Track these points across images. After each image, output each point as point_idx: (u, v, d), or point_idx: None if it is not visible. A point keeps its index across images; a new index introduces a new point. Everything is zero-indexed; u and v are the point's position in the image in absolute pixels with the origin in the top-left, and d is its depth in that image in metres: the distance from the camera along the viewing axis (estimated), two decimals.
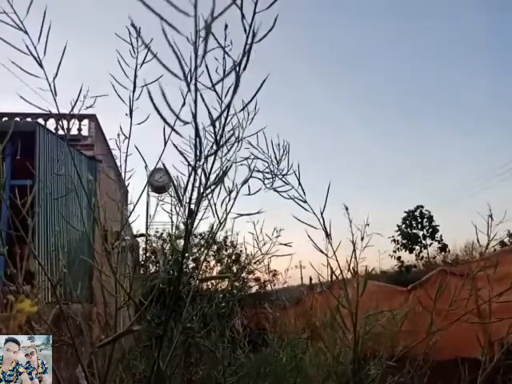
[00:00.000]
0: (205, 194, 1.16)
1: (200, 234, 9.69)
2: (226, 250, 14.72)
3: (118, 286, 1.84)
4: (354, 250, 1.65)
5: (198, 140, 0.93)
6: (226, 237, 14.52)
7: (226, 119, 1.11)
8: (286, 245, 2.13)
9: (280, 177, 1.80)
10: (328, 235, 1.68)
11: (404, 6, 36.77)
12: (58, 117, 1.75)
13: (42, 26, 1.49)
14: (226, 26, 1.25)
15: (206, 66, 1.00)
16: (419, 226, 28.23)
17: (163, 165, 1.25)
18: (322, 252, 1.66)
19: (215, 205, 1.66)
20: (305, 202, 1.71)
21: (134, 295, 1.84)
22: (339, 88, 42.81)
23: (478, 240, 1.92)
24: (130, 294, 1.78)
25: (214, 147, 1.09)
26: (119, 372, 2.22)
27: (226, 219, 1.82)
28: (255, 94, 1.06)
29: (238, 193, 1.83)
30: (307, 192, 1.72)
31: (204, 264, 13.92)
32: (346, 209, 1.72)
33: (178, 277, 1.28)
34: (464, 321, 1.77)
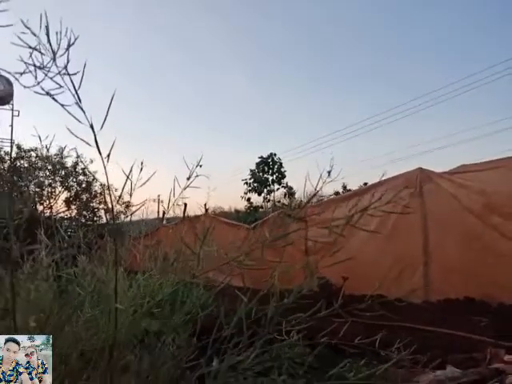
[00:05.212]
0: None
1: (47, 158, 8.80)
2: (76, 178, 13.69)
3: None
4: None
5: None
6: (76, 163, 13.42)
7: None
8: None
9: (53, 74, 1.44)
10: (105, 157, 1.50)
11: None
12: None
13: None
14: None
15: None
16: (270, 171, 30.35)
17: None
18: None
19: None
20: (82, 109, 1.44)
21: None
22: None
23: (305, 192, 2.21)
24: None
25: None
26: None
27: None
28: None
29: None
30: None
31: (49, 190, 12.78)
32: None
33: None
34: (293, 256, 2.08)
